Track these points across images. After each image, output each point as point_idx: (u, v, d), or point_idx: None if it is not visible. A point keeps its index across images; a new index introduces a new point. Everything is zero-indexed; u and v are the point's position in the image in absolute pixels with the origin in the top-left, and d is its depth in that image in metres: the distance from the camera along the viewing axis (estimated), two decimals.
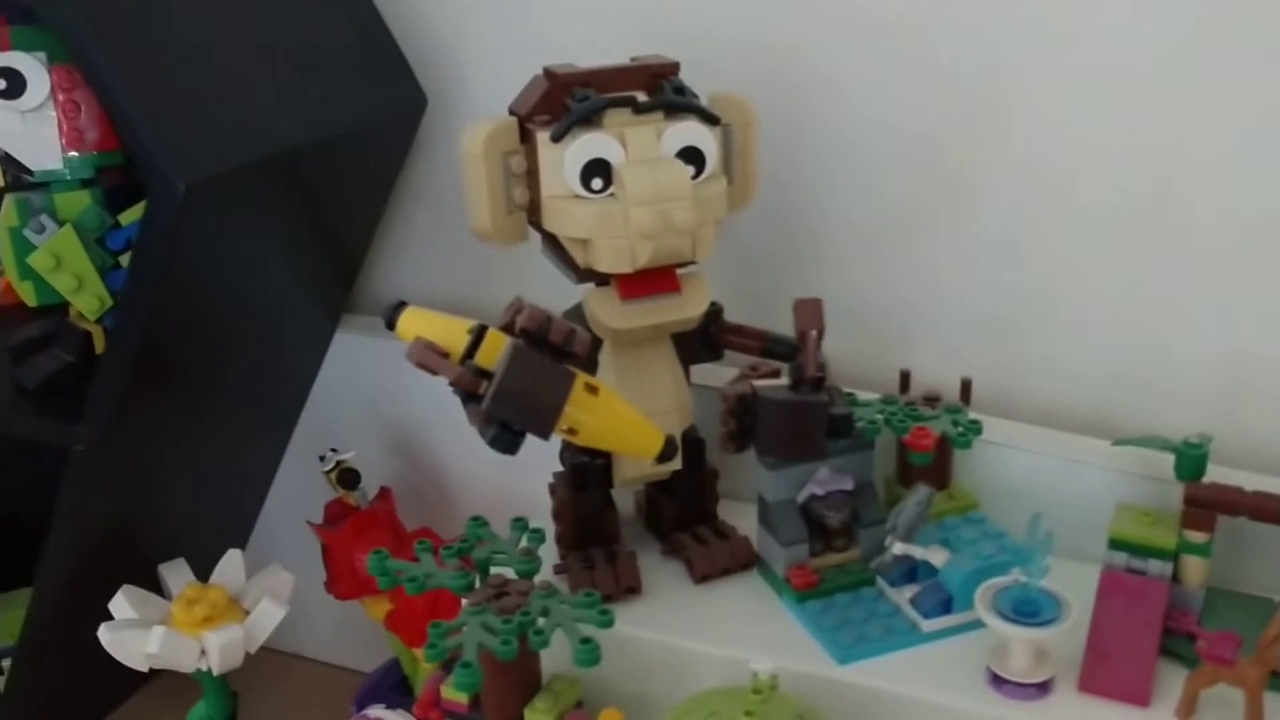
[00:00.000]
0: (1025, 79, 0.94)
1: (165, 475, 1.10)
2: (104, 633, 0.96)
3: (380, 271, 1.21)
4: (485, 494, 1.19)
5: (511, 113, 0.88)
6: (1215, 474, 0.87)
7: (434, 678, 0.87)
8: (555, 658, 0.81)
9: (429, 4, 1.08)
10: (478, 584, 0.83)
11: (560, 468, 0.95)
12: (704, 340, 0.94)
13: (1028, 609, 0.81)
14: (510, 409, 0.73)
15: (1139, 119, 0.92)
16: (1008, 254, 0.99)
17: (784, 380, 0.83)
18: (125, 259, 1.01)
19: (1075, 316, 0.98)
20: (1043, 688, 0.81)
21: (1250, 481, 0.86)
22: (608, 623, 0.78)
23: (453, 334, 0.77)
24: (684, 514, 0.98)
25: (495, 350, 0.76)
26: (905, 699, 0.83)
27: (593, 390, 0.77)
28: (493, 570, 0.85)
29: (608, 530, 0.96)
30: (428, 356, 0.75)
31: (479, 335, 0.76)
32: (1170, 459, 0.89)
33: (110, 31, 0.84)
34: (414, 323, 0.78)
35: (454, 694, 0.85)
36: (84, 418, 0.94)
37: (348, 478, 1.12)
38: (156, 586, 1.03)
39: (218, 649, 0.98)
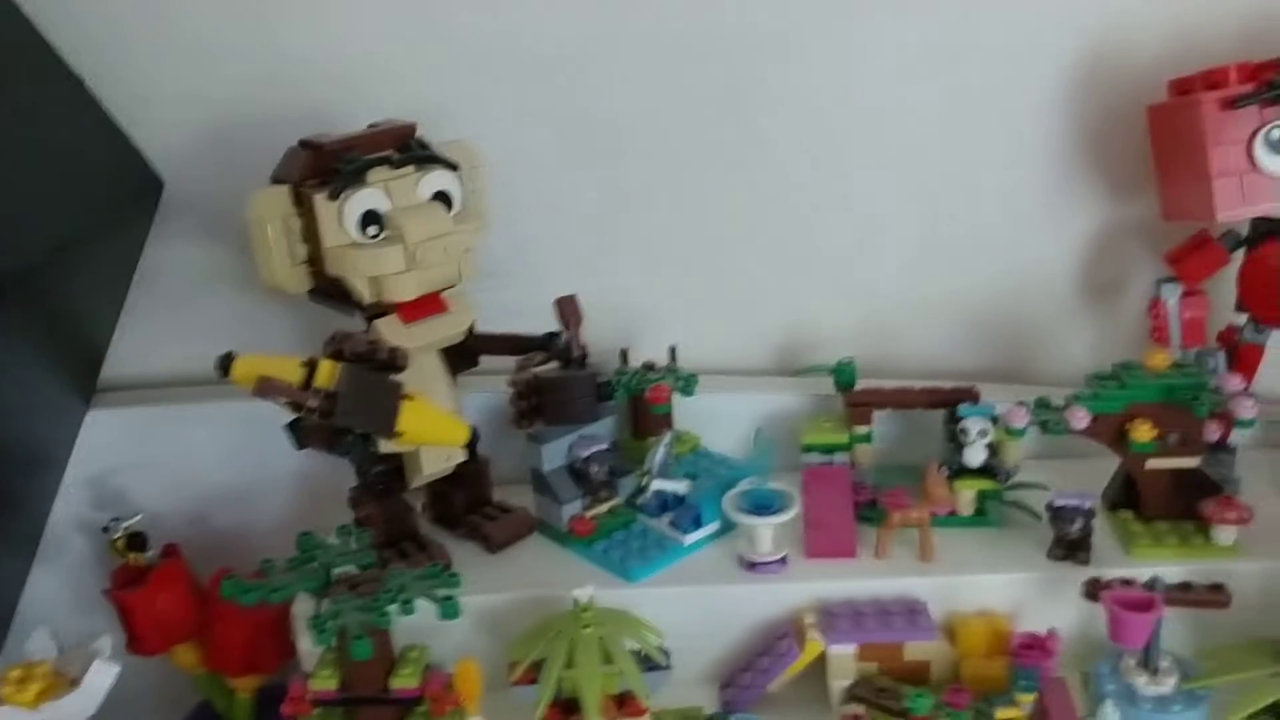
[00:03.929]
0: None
1: None
2: None
3: (125, 350, 1.27)
4: (258, 534, 1.29)
5: (278, 181, 1.02)
6: (862, 385, 1.18)
7: (293, 681, 0.99)
8: (399, 633, 0.97)
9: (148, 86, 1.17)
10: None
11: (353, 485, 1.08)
12: (463, 350, 1.12)
13: (763, 505, 1.07)
14: (359, 418, 0.89)
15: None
16: (689, 247, 1.25)
17: (553, 365, 1.04)
18: None
19: (750, 294, 1.26)
20: (782, 561, 1.07)
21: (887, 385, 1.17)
22: (457, 583, 0.95)
23: (284, 369, 0.91)
24: (470, 499, 1.15)
25: (328, 375, 0.90)
26: (687, 592, 1.06)
27: (408, 397, 0.94)
28: (335, 571, 0.98)
29: (411, 526, 1.11)
30: (274, 386, 0.88)
31: (313, 365, 0.90)
32: (830, 379, 1.19)
33: None
34: (249, 365, 0.91)
35: (322, 684, 0.98)
36: None
37: (137, 541, 1.18)
38: None
39: (63, 716, 1.03)
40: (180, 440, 1.26)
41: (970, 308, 1.26)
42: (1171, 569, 1.01)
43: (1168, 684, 0.96)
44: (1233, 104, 1.00)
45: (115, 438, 1.25)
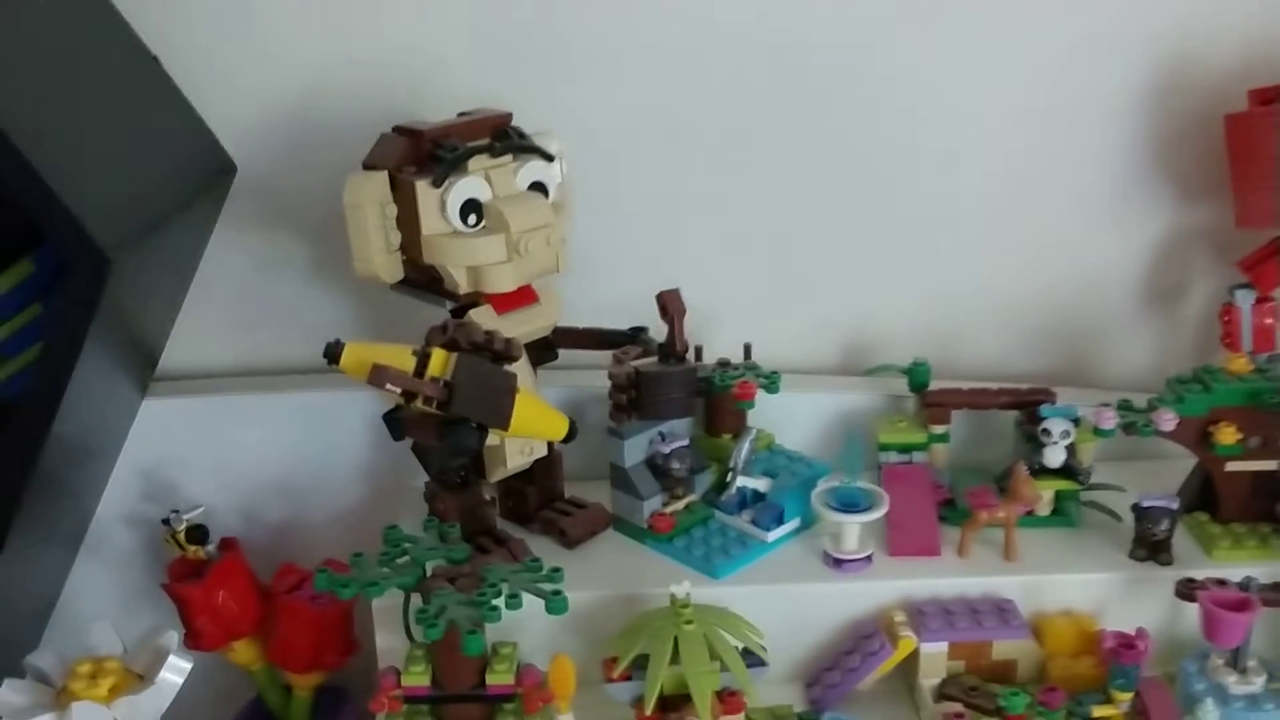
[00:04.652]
0: None
1: None
2: None
3: (184, 338, 1.24)
4: (312, 529, 1.27)
5: (372, 167, 1.00)
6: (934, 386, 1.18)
7: (384, 675, 0.97)
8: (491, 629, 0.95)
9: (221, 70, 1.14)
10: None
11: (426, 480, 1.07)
12: (544, 343, 1.11)
13: (850, 503, 1.07)
14: (473, 407, 0.87)
15: None
16: (755, 245, 1.25)
17: (650, 359, 1.03)
18: None
19: (815, 292, 1.26)
20: (868, 559, 1.07)
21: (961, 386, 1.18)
22: (562, 578, 0.94)
23: (396, 357, 0.89)
24: (543, 495, 1.14)
25: (441, 365, 0.89)
26: (773, 590, 1.05)
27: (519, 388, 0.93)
28: (429, 565, 0.96)
29: (488, 520, 1.10)
30: (391, 375, 0.86)
31: (426, 354, 0.89)
32: (901, 379, 1.19)
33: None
34: (359, 353, 0.89)
35: (415, 680, 0.96)
36: None
37: (198, 534, 1.16)
38: None
39: (139, 713, 1.00)
40: (234, 433, 1.23)
41: (1035, 310, 1.27)
42: (1253, 570, 1.02)
43: (1257, 683, 0.97)
44: None
45: (169, 428, 1.22)
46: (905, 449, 1.14)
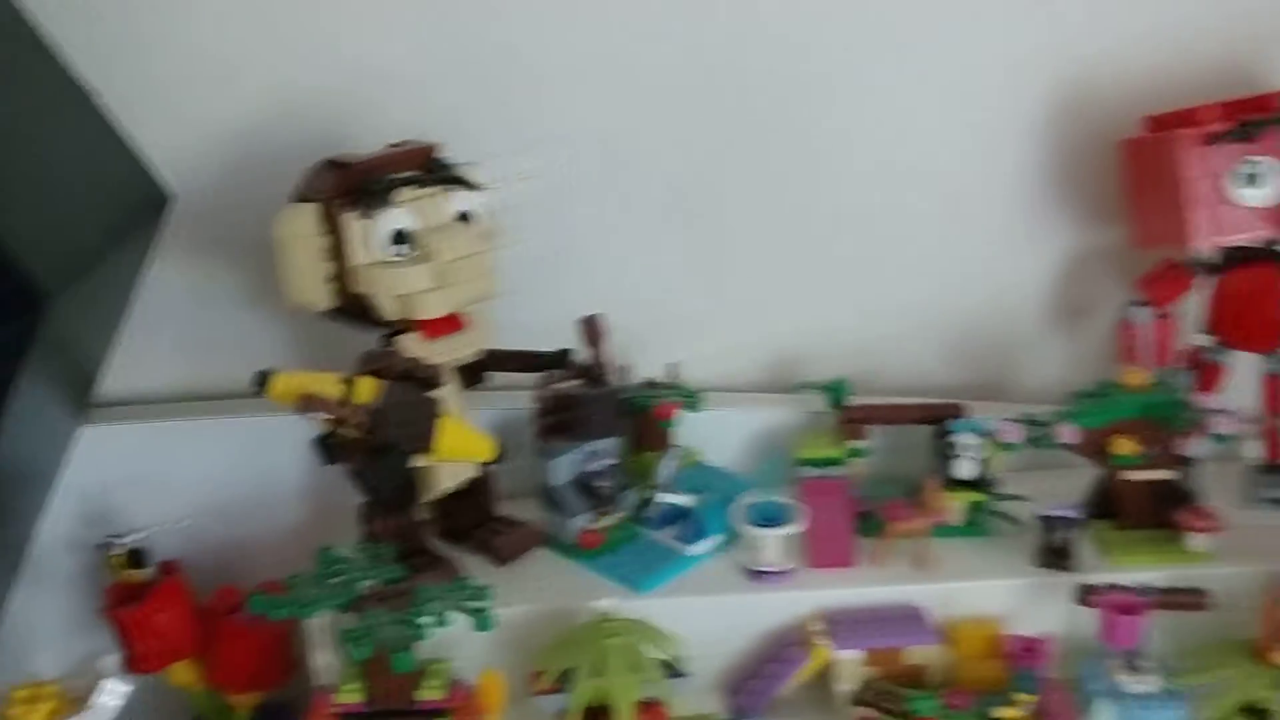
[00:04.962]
0: None
1: None
2: None
3: (123, 365, 1.26)
4: (254, 551, 1.30)
5: (303, 199, 1.03)
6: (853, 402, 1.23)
7: (319, 694, 1.00)
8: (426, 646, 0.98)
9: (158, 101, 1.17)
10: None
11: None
12: (474, 367, 1.14)
13: (769, 517, 1.11)
14: (399, 433, 0.91)
15: None
16: (685, 266, 1.29)
17: (576, 381, 1.07)
18: None
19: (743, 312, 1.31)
20: (787, 572, 1.11)
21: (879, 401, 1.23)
22: (489, 595, 0.97)
23: (323, 385, 0.93)
24: (477, 514, 1.17)
25: (369, 392, 0.92)
26: (696, 602, 1.09)
27: (444, 414, 0.97)
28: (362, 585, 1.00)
29: (422, 540, 1.13)
30: (319, 402, 0.90)
31: (352, 382, 0.92)
32: (822, 396, 1.24)
33: None
34: (288, 382, 0.92)
35: (349, 696, 0.99)
36: None
37: (137, 558, 1.18)
38: None
39: None
40: (176, 457, 1.26)
41: (954, 327, 1.33)
42: (1150, 575, 1.08)
43: (1151, 682, 1.02)
44: (1209, 141, 1.07)
45: (110, 454, 1.24)
46: (824, 464, 1.19)
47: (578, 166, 1.24)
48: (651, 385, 1.22)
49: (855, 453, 1.20)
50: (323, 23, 1.17)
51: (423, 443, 0.93)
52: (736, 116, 1.24)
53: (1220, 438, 1.08)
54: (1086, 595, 1.03)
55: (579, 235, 1.27)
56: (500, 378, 1.17)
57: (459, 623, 0.95)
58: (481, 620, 0.94)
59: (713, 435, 1.26)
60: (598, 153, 1.24)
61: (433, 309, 1.02)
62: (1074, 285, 1.31)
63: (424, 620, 0.93)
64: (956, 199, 1.27)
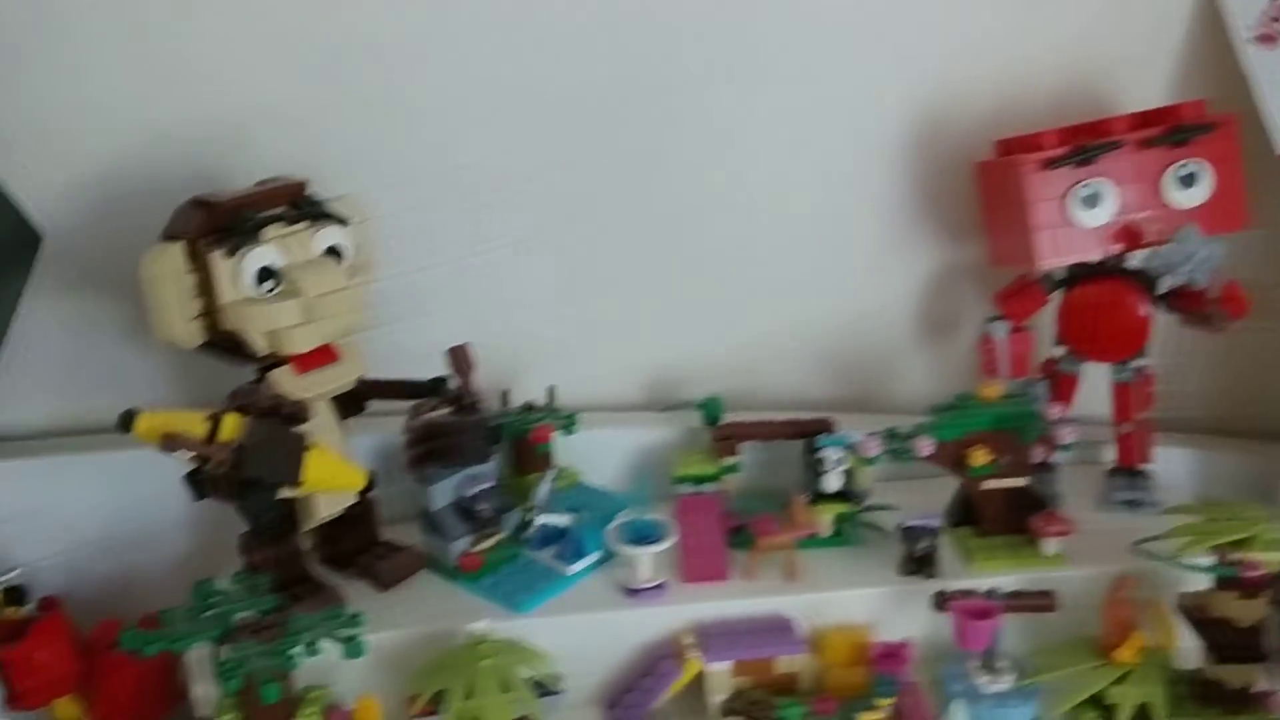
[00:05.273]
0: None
1: None
2: None
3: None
4: (139, 584, 1.30)
5: (171, 238, 1.04)
6: (728, 419, 1.27)
7: None
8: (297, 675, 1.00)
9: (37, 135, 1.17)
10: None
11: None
12: (352, 396, 1.16)
13: (643, 535, 1.15)
14: (264, 468, 0.93)
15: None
16: (564, 289, 1.33)
17: (445, 410, 1.09)
18: None
19: (623, 333, 1.35)
20: (662, 587, 1.15)
21: (753, 418, 1.27)
22: (361, 623, 0.99)
23: (188, 423, 0.94)
24: (359, 540, 1.19)
25: (233, 429, 0.94)
26: (573, 620, 1.12)
27: (311, 447, 0.99)
28: (236, 617, 1.01)
29: (303, 569, 1.15)
30: (182, 441, 0.91)
31: (217, 419, 0.94)
32: (699, 414, 1.28)
33: None
34: (152, 421, 0.94)
35: None
36: None
37: (16, 595, 1.18)
38: None
39: None
40: (56, 492, 1.26)
41: (825, 344, 1.37)
42: (1007, 579, 1.13)
43: (1006, 682, 1.07)
44: (1049, 165, 1.13)
45: None
46: (698, 480, 1.23)
47: (452, 196, 1.27)
48: (530, 409, 1.25)
49: (728, 469, 1.23)
50: (195, 60, 1.18)
51: (289, 476, 0.95)
52: (608, 146, 1.27)
53: (1066, 447, 1.13)
54: (941, 601, 1.08)
55: (455, 263, 1.29)
56: (382, 404, 1.19)
57: (333, 651, 0.97)
58: (352, 648, 0.96)
59: (593, 455, 1.29)
60: (472, 182, 1.26)
61: (301, 344, 1.04)
62: (939, 301, 1.36)
63: (294, 650, 0.95)
64: (824, 221, 1.32)
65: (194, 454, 0.92)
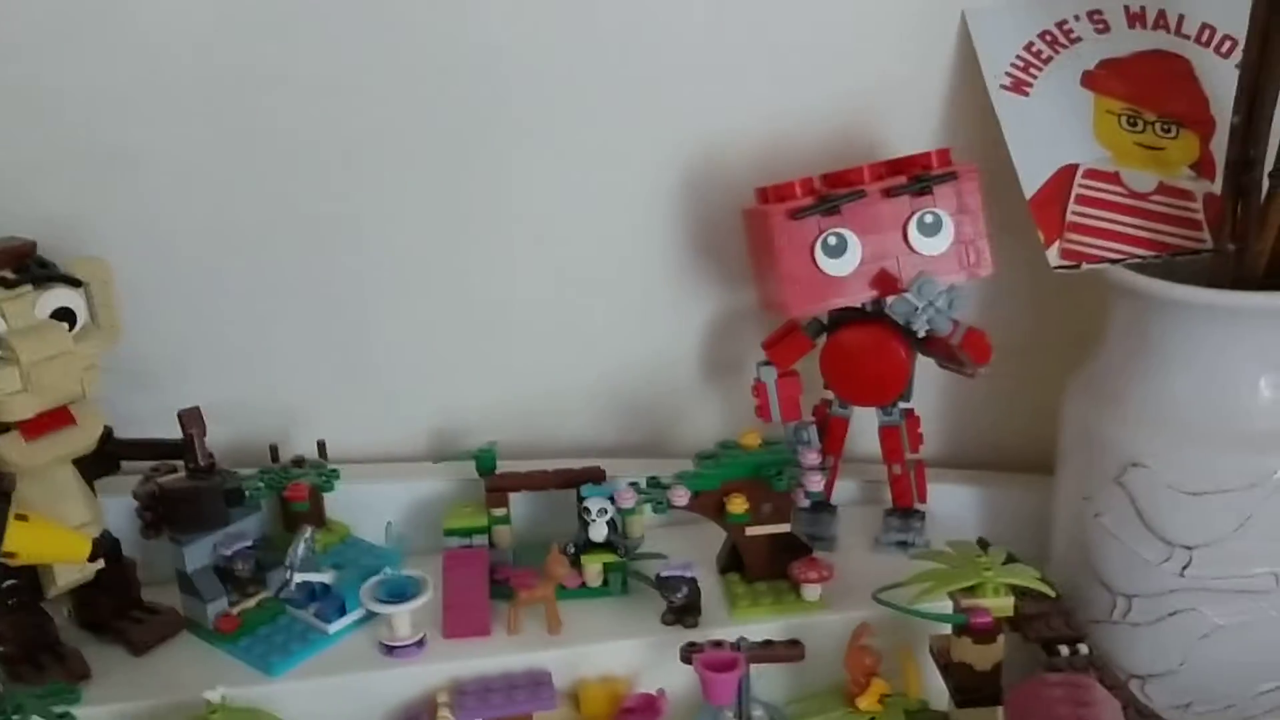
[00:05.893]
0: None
1: None
2: None
3: None
4: None
5: None
6: (509, 468, 1.27)
7: None
8: None
9: None
10: None
11: None
12: (101, 456, 1.14)
13: (400, 592, 1.14)
14: None
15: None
16: (342, 340, 1.31)
17: (182, 473, 1.08)
18: None
19: (406, 383, 1.34)
20: (420, 644, 1.14)
21: (529, 467, 1.27)
22: (77, 699, 0.97)
23: None
24: (117, 602, 1.17)
25: None
26: (327, 683, 1.11)
27: (22, 518, 0.97)
28: None
29: (50, 636, 1.12)
30: None
31: None
32: (473, 465, 1.27)
33: None
34: None
35: None
36: None
37: None
38: None
39: None
40: None
41: (610, 389, 1.38)
42: (767, 626, 1.14)
43: None
44: (796, 214, 1.14)
45: None
46: (468, 532, 1.22)
47: (223, 252, 1.26)
48: (299, 464, 1.23)
49: (498, 520, 1.23)
50: None
51: None
52: (372, 199, 1.26)
53: (813, 495, 1.14)
54: (686, 654, 1.08)
55: (223, 318, 1.27)
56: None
57: None
58: None
59: (368, 509, 1.28)
60: (228, 241, 1.25)
61: (20, 411, 1.02)
62: (722, 345, 1.37)
63: None
64: (608, 267, 1.32)
65: None
